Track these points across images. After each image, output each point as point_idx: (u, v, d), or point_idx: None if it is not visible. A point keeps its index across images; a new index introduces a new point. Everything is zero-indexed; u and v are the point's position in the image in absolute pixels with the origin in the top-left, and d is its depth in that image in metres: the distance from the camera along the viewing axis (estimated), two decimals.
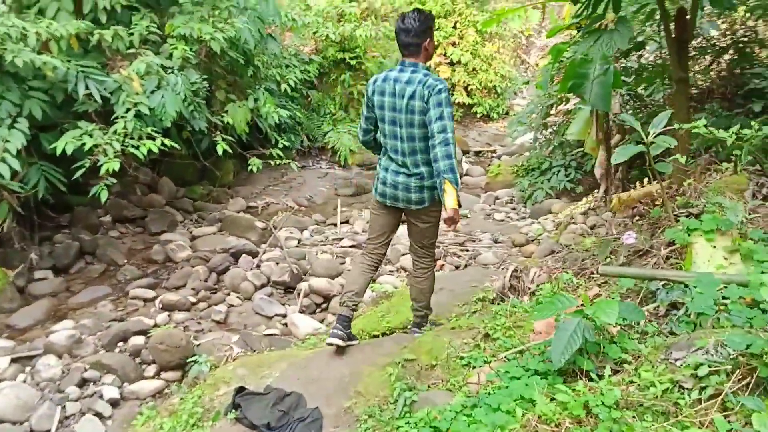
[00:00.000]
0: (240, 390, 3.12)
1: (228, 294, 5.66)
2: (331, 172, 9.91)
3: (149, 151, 5.48)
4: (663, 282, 2.86)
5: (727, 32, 6.86)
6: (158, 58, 5.77)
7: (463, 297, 4.11)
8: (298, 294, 5.58)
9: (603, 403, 2.07)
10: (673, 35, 4.60)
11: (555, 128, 8.10)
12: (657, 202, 5.67)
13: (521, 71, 14.99)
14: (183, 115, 6.14)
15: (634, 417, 2.01)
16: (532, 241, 6.24)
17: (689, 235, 3.04)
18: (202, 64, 6.58)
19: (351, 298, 3.33)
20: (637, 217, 5.68)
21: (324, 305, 5.53)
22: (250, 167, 7.42)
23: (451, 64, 12.41)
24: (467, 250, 6.30)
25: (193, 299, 5.53)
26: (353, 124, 10.74)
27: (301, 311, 5.38)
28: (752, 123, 3.26)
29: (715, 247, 2.96)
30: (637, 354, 2.44)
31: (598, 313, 2.39)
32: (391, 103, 2.99)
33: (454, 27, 12.47)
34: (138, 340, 4.78)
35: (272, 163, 7.62)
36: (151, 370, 4.57)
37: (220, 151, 6.81)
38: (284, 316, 5.31)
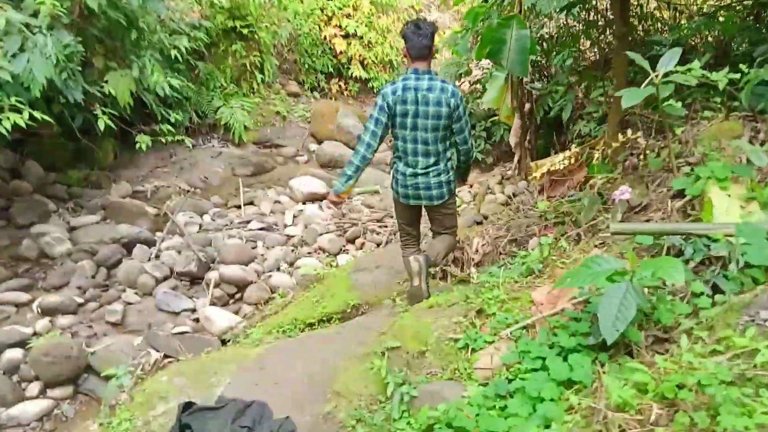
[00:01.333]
0: (186, 406, 2.52)
1: (123, 290, 4.91)
2: (226, 150, 9.13)
3: (13, 127, 4.55)
4: (684, 237, 2.52)
5: None
6: (20, 14, 4.79)
7: (403, 274, 3.79)
8: (208, 285, 4.97)
9: (717, 378, 1.63)
10: None
11: (464, 97, 7.99)
12: (575, 166, 5.73)
13: None
14: (54, 84, 5.20)
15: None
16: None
17: (698, 184, 2.72)
18: (75, 24, 5.60)
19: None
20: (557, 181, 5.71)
21: (238, 295, 4.97)
22: (138, 145, 6.57)
23: (346, 36, 11.95)
24: (386, 226, 6.01)
25: (79, 299, 4.73)
26: (246, 98, 10.00)
27: (213, 303, 4.80)
28: (741, 66, 2.97)
29: (730, 195, 2.66)
30: (702, 320, 2.03)
31: (660, 273, 1.98)
32: (414, 110, 3.13)
33: None
34: (14, 354, 3.97)
35: (163, 140, 6.79)
36: (34, 388, 3.83)
37: (101, 127, 5.91)
38: (194, 310, 4.71)
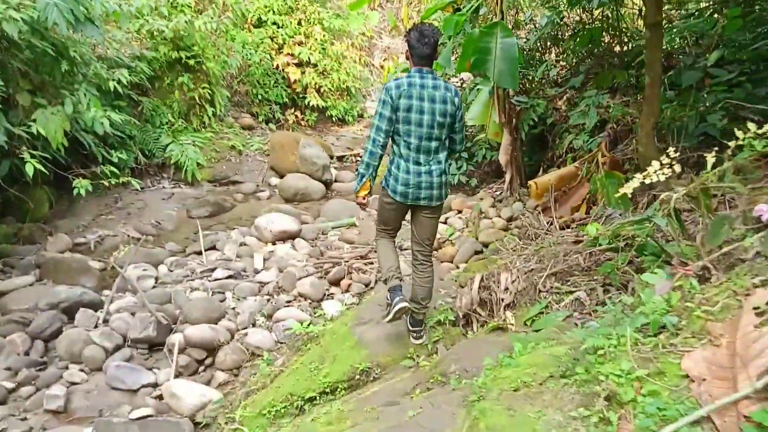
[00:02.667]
0: None
1: (66, 368, 4.01)
2: (178, 191, 8.28)
3: None
4: None
5: None
6: None
7: None
8: (170, 351, 4.13)
9: None
10: None
11: None
12: (575, 182, 5.22)
13: (367, 73, 14.44)
14: None
15: None
16: (444, 242, 5.44)
17: None
18: None
19: (395, 271, 3.33)
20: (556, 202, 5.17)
21: (208, 360, 4.15)
22: (75, 190, 5.69)
23: (299, 64, 11.37)
24: (371, 263, 5.32)
25: (9, 384, 3.81)
26: (197, 134, 9.21)
27: (179, 374, 3.96)
28: None
29: None
30: None
31: None
32: (419, 106, 3.14)
33: (299, 24, 11.45)
34: None
35: (106, 183, 5.94)
36: None
37: (30, 173, 5.03)
38: (156, 385, 3.86)
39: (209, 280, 5.14)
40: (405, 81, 3.15)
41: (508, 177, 5.74)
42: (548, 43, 6.61)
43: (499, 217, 5.33)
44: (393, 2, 15.89)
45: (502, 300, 3.02)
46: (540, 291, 3.00)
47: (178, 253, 6.15)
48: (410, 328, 3.41)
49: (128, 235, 6.66)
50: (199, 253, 5.94)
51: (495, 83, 5.28)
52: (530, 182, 5.07)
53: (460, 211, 5.99)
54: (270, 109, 11.35)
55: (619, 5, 6.46)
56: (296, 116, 11.58)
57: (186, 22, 8.16)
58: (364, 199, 3.36)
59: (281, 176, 9.02)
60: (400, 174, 3.23)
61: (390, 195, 3.30)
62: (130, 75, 7.74)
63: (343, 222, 6.64)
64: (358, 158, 10.51)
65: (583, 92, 6.37)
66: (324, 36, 11.49)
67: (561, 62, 6.53)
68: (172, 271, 5.50)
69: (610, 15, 6.33)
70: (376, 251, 3.66)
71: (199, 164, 8.74)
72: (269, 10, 11.13)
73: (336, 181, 9.01)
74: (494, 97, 5.46)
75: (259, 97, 11.19)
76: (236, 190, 8.79)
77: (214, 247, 6.04)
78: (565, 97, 6.50)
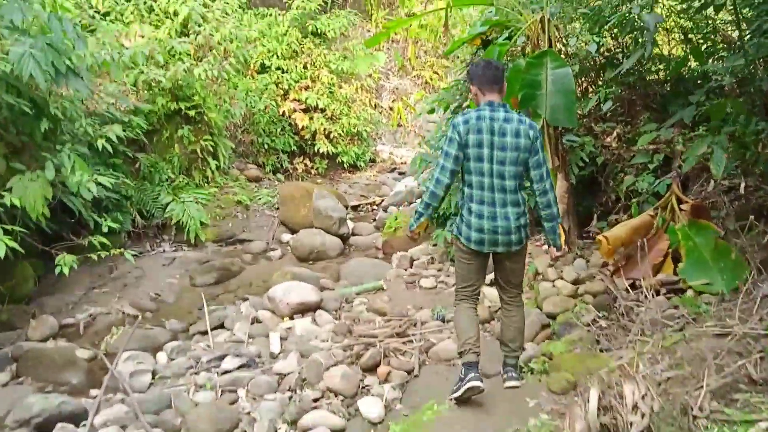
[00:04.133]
0: None
1: None
2: (179, 255, 7.46)
3: None
4: None
5: None
6: None
7: None
8: None
9: None
10: None
11: None
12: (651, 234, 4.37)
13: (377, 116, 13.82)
14: None
15: None
16: (497, 311, 4.56)
17: None
18: None
19: (474, 345, 3.12)
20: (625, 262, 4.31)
21: None
22: (58, 268, 4.89)
23: (307, 110, 10.71)
24: (411, 341, 4.43)
25: None
26: (200, 190, 8.46)
27: None
28: None
29: None
30: None
31: None
32: (489, 140, 2.93)
33: (305, 68, 10.85)
34: None
35: (95, 256, 5.13)
36: None
37: (2, 253, 4.24)
38: None
39: (217, 373, 4.24)
40: (474, 115, 2.94)
41: (565, 228, 4.90)
42: (595, 73, 5.86)
43: (562, 278, 4.46)
44: (399, 41, 15.41)
45: (631, 425, 2.13)
46: (695, 417, 2.10)
47: (181, 333, 5.28)
48: (503, 371, 3.31)
49: (123, 312, 5.81)
50: (205, 332, 5.07)
51: (547, 121, 4.50)
52: (599, 237, 4.23)
53: None
54: (277, 158, 10.64)
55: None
56: (305, 164, 10.86)
57: (185, 70, 7.48)
58: (417, 235, 3.28)
59: (293, 232, 8.22)
60: (473, 219, 3.00)
61: (464, 244, 3.08)
62: (125, 130, 7.06)
63: (369, 286, 5.78)
64: (374, 207, 9.72)
65: (637, 126, 5.60)
66: (331, 79, 10.87)
67: (609, 94, 5.78)
68: (173, 359, 4.61)
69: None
70: (453, 318, 3.46)
71: (203, 223, 7.96)
72: (273, 55, 10.54)
73: (353, 234, 8.18)
74: (545, 138, 4.67)
75: (266, 146, 10.48)
76: (244, 249, 7.98)
77: (222, 325, 5.16)
78: (615, 133, 5.72)
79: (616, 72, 5.20)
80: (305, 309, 5.16)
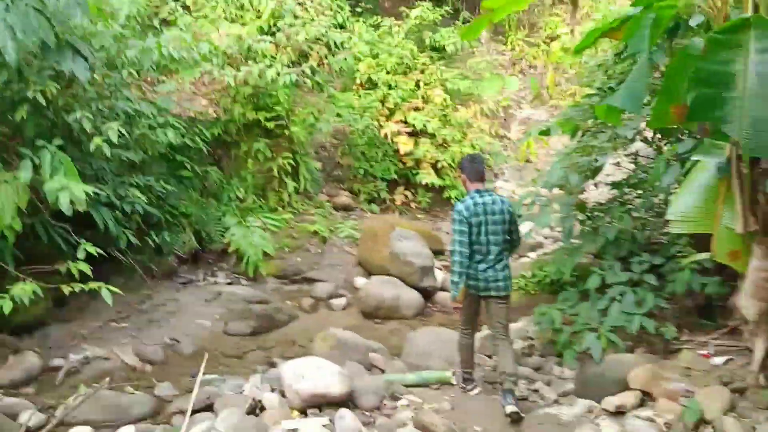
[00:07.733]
0: None
1: None
2: (229, 290, 6.22)
3: None
4: None
5: None
6: None
7: None
8: None
9: None
10: None
11: (607, 206, 4.69)
12: None
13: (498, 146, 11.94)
14: None
15: None
16: None
17: None
18: None
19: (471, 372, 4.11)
20: None
21: None
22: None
23: (413, 134, 9.23)
24: None
25: None
26: (272, 215, 7.29)
27: None
28: None
29: None
30: None
31: None
32: (485, 219, 3.85)
33: (417, 86, 9.42)
34: None
35: (68, 289, 3.96)
36: None
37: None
38: None
39: None
40: (471, 202, 3.84)
41: (761, 345, 2.79)
42: None
43: None
44: (536, 68, 13.51)
45: None
46: None
47: (166, 401, 3.93)
48: (502, 398, 3.69)
49: (122, 360, 4.63)
50: (185, 413, 3.63)
51: (743, 150, 2.52)
52: None
53: (648, 396, 3.09)
54: (375, 186, 9.22)
55: None
56: (405, 196, 9.30)
57: (259, 74, 6.35)
58: (460, 303, 3.89)
59: (370, 275, 6.70)
60: (479, 274, 3.85)
61: (474, 293, 3.88)
62: (183, 138, 6.08)
63: (431, 376, 4.03)
64: None
65: None
66: (446, 100, 9.31)
67: None
68: None
69: None
70: (459, 350, 4.09)
71: (267, 253, 6.72)
72: (382, 69, 9.25)
73: (442, 289, 6.44)
74: (734, 180, 2.66)
75: (362, 171, 9.12)
76: (309, 291, 6.63)
77: (210, 407, 3.69)
78: None
79: None
80: (324, 402, 3.54)
